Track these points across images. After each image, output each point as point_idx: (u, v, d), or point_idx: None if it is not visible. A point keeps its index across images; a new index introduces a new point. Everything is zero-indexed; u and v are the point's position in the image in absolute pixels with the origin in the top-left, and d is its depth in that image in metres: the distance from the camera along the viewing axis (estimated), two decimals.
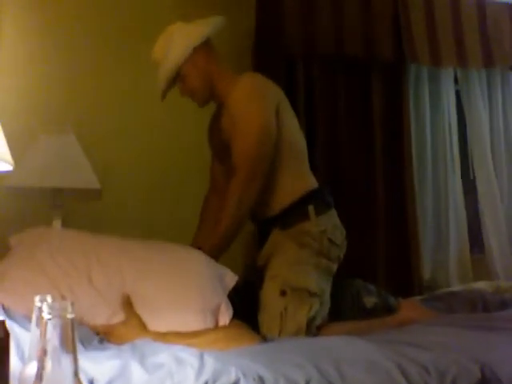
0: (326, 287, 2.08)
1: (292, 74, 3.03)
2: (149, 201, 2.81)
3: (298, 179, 2.20)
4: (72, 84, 2.78)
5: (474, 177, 3.41)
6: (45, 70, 2.73)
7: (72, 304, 0.71)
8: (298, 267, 2.06)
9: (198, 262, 1.84)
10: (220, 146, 2.26)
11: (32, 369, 0.86)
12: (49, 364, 0.70)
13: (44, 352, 0.70)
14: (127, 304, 1.71)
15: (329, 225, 2.14)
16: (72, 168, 2.39)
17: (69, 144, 2.43)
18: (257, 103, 2.14)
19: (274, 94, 2.22)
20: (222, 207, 2.11)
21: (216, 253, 1.99)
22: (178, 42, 2.15)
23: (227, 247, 2.09)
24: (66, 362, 0.70)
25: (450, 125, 3.37)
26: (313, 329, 1.96)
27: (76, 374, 0.71)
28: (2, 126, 1.78)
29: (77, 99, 2.78)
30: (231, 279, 1.83)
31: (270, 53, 3.00)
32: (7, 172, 1.91)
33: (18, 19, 2.72)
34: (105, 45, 2.84)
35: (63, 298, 1.64)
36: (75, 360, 0.71)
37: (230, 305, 1.75)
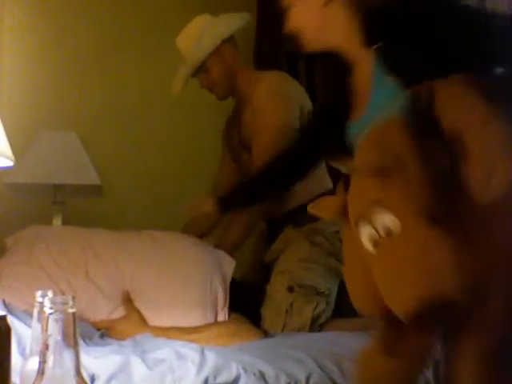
0: (334, 288, 2.08)
1: (294, 71, 3.03)
2: (150, 197, 2.81)
3: (314, 180, 2.20)
4: (74, 81, 2.78)
5: None
6: (47, 66, 2.73)
7: (73, 298, 0.71)
8: (308, 265, 2.06)
9: (195, 251, 1.85)
10: (238, 143, 2.26)
11: (33, 364, 0.86)
12: (51, 358, 0.70)
13: (46, 347, 0.70)
14: (127, 299, 1.72)
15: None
16: (73, 164, 2.39)
17: (70, 140, 2.43)
18: (281, 101, 2.16)
19: (299, 94, 2.23)
20: None
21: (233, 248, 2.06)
22: (208, 32, 2.17)
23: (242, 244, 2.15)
24: (68, 356, 0.70)
25: None
26: (316, 327, 1.96)
27: (78, 368, 0.71)
28: (4, 122, 1.78)
29: (78, 96, 2.78)
30: (229, 264, 1.85)
31: (271, 50, 3.00)
32: (8, 168, 1.91)
33: (23, 15, 2.72)
34: (108, 41, 2.84)
35: (62, 293, 1.64)
36: (77, 354, 0.71)
37: (227, 295, 1.77)
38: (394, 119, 1.08)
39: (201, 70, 2.21)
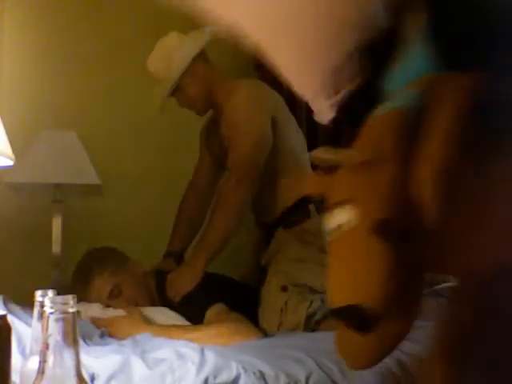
0: None
1: None
2: (150, 197, 2.81)
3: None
4: (74, 81, 2.78)
5: None
6: (47, 66, 2.73)
7: (73, 298, 0.71)
8: (301, 264, 2.08)
9: None
10: (220, 151, 2.27)
11: (33, 363, 0.87)
12: (51, 358, 0.70)
13: (46, 346, 0.70)
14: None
15: None
16: (73, 164, 2.39)
17: (70, 140, 2.43)
18: (252, 114, 2.16)
19: (270, 102, 2.23)
20: (213, 210, 2.14)
21: (212, 253, 2.05)
22: (177, 54, 2.16)
23: (222, 248, 2.10)
24: (68, 356, 0.70)
25: None
26: (311, 324, 1.97)
27: (78, 368, 0.71)
28: (4, 122, 1.78)
29: (79, 96, 2.78)
30: None
31: None
32: (8, 167, 1.91)
33: (23, 15, 2.72)
34: (108, 41, 2.84)
35: None
36: (77, 354, 0.71)
37: None
38: (394, 111, 1.00)
39: (176, 90, 2.20)
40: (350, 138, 1.13)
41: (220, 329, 1.71)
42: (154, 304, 2.01)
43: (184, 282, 2.01)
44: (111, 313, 1.82)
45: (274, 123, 2.16)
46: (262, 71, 2.94)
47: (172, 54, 2.16)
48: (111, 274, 1.95)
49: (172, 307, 1.95)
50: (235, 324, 1.74)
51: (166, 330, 1.65)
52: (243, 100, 2.16)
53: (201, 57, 2.20)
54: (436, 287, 2.69)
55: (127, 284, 1.96)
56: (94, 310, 1.83)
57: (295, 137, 2.30)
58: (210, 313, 1.87)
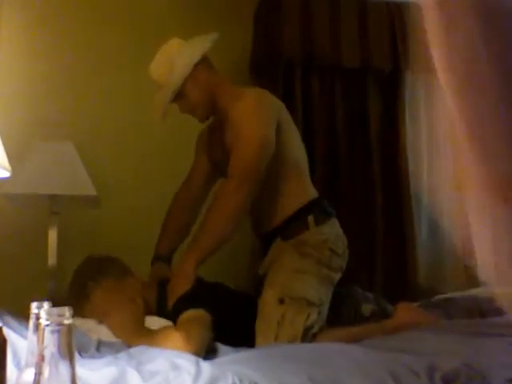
0: (326, 297, 2.08)
1: (290, 82, 3.05)
2: (146, 208, 2.81)
3: (298, 191, 2.23)
4: (71, 91, 2.79)
5: None
6: (44, 77, 2.74)
7: (69, 310, 0.71)
8: (298, 276, 2.07)
9: None
10: (223, 157, 2.27)
11: (28, 376, 0.86)
12: (46, 370, 0.70)
13: (41, 358, 0.70)
14: None
15: (330, 234, 2.16)
16: (69, 175, 2.40)
17: (66, 151, 2.44)
18: (259, 120, 2.16)
19: (276, 110, 2.24)
20: (208, 213, 2.11)
21: (203, 256, 2.02)
22: (179, 60, 2.17)
23: (213, 252, 2.07)
24: (64, 368, 0.70)
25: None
26: (308, 337, 1.96)
27: (74, 380, 0.71)
28: (1, 133, 1.79)
29: (75, 107, 2.79)
30: None
31: (268, 62, 3.02)
32: (5, 178, 1.91)
33: (20, 25, 2.73)
34: (105, 52, 2.86)
35: None
36: (73, 366, 0.71)
37: None
38: None
39: (178, 96, 2.20)
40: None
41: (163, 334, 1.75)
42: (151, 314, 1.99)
43: (176, 287, 1.99)
44: (105, 328, 1.82)
45: (278, 130, 2.16)
46: (257, 77, 2.96)
47: (174, 59, 2.16)
48: (106, 293, 1.92)
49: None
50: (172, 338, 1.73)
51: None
52: (249, 106, 2.16)
53: (203, 62, 2.20)
54: (432, 299, 2.69)
55: (118, 305, 1.92)
56: (90, 324, 1.83)
57: (296, 144, 2.30)
58: (181, 317, 1.87)
